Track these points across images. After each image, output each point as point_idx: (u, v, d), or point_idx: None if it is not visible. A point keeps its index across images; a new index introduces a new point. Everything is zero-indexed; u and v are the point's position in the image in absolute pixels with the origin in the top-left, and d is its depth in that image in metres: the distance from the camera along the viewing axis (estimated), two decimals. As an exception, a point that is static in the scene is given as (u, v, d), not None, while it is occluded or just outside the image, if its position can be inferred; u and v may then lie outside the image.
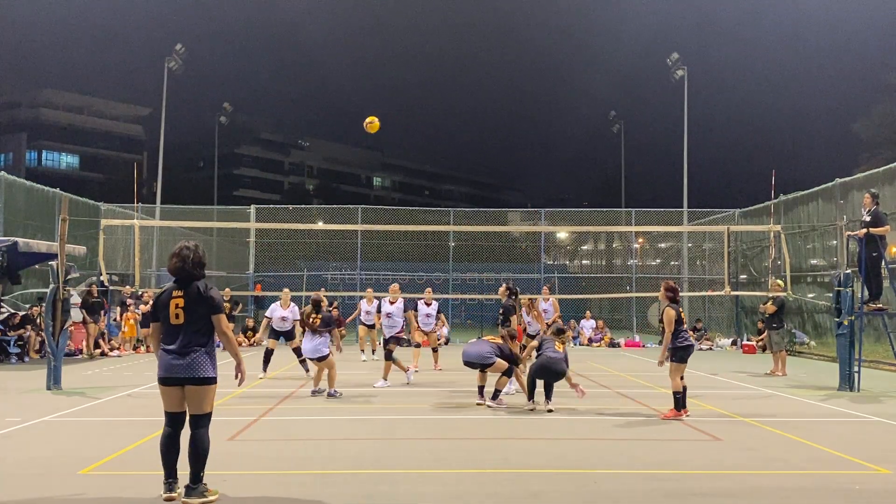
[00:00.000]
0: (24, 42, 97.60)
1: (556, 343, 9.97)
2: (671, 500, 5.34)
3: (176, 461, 5.20)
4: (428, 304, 15.18)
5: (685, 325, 9.20)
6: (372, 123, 13.01)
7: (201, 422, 5.20)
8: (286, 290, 13.78)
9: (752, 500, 5.37)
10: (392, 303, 13.05)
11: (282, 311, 13.15)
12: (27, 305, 17.33)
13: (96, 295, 17.30)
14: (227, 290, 20.27)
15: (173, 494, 5.11)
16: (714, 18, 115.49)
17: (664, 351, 9.10)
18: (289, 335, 13.24)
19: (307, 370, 12.66)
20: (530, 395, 9.64)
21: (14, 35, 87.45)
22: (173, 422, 5.25)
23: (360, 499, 5.29)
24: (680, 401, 8.87)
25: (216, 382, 5.26)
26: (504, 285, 12.15)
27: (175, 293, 5.24)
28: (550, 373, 9.69)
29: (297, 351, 13.03)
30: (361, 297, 16.93)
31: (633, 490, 5.58)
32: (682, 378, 8.93)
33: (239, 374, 5.42)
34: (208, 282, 5.39)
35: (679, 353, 8.94)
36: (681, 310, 9.12)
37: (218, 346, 5.57)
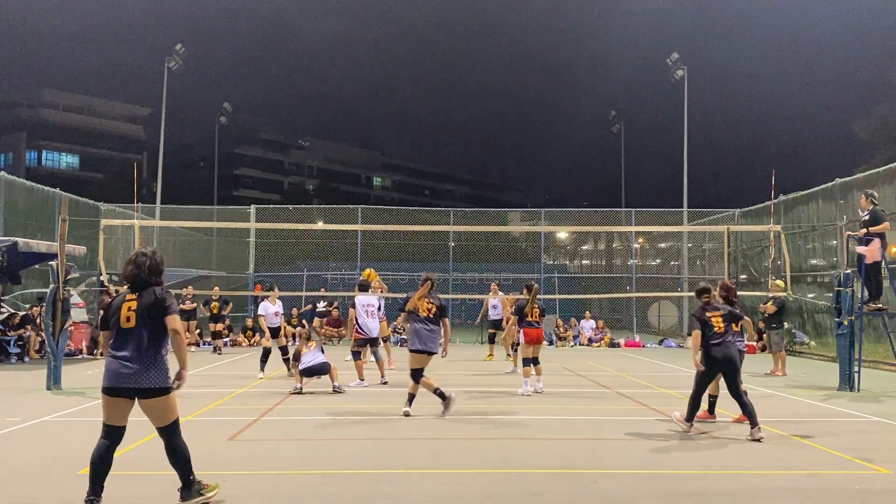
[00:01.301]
0: (24, 42, 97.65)
1: (712, 317, 7.79)
2: (671, 500, 5.34)
3: (106, 475, 4.88)
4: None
5: (736, 329, 8.28)
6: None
7: (170, 431, 4.93)
8: (275, 288, 14.16)
9: (752, 500, 5.37)
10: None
11: (273, 307, 13.12)
12: (27, 305, 17.34)
13: (115, 295, 16.96)
14: (215, 289, 20.41)
15: None
16: (714, 18, 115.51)
17: (696, 351, 8.24)
18: (277, 331, 13.17)
19: (290, 370, 12.76)
20: (691, 414, 7.87)
21: (14, 35, 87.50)
22: (113, 436, 4.90)
23: (361, 499, 5.29)
24: (712, 405, 8.62)
25: (171, 391, 4.94)
26: (525, 287, 11.99)
27: (129, 297, 5.00)
28: (718, 363, 7.66)
29: (284, 349, 13.02)
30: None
31: (633, 490, 5.58)
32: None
33: (178, 381, 4.99)
34: (165, 289, 5.13)
35: None
36: (737, 312, 8.31)
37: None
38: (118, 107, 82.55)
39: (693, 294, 9.13)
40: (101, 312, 16.37)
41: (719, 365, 7.69)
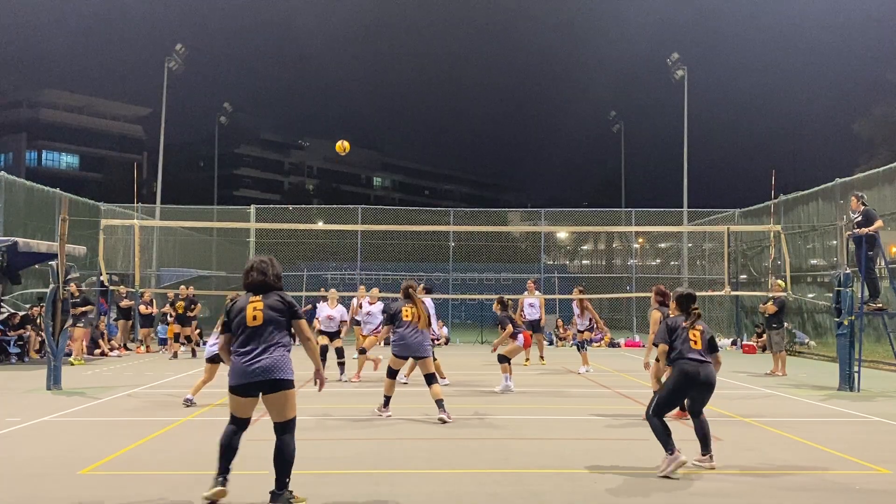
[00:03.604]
0: (24, 42, 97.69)
1: (691, 330, 6.23)
2: (671, 499, 5.34)
3: (233, 457, 5.11)
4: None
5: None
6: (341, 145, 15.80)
7: (286, 427, 5.08)
8: (333, 290, 13.83)
9: (752, 500, 5.37)
10: (371, 303, 14.34)
11: (328, 311, 12.94)
12: (27, 305, 17.33)
13: (77, 295, 15.39)
14: (182, 287, 18.88)
15: (224, 489, 5.01)
16: (714, 18, 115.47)
17: (647, 353, 8.77)
18: (334, 335, 13.00)
19: (342, 374, 12.63)
20: (667, 442, 6.14)
21: (14, 35, 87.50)
22: (240, 423, 5.18)
23: (360, 499, 5.29)
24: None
25: (294, 386, 5.14)
26: (496, 301, 12.01)
27: (252, 298, 5.15)
28: (696, 385, 6.18)
29: (339, 351, 12.82)
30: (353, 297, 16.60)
31: (633, 490, 5.58)
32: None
33: (319, 382, 5.39)
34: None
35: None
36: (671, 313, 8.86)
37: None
38: (118, 107, 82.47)
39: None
40: (79, 312, 15.97)
41: (686, 385, 6.25)
